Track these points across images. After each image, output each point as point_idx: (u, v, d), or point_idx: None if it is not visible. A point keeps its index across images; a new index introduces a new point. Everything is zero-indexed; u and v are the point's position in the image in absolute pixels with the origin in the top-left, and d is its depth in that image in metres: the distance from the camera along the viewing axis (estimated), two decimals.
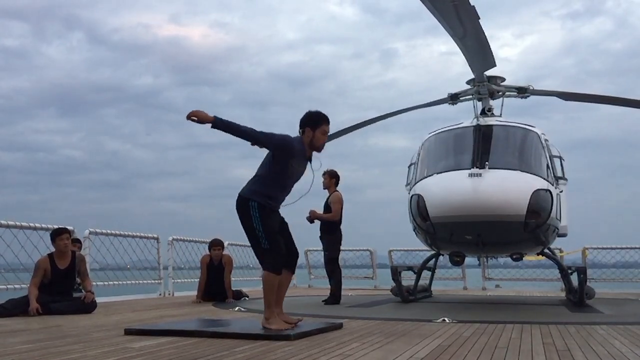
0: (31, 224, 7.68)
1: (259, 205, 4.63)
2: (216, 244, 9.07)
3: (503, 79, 9.54)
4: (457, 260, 8.63)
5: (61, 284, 6.60)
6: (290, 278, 4.83)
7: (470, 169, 7.39)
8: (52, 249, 6.74)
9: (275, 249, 4.60)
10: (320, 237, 8.55)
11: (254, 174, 4.82)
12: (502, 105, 9.53)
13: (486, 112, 9.11)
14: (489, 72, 8.84)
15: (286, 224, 4.92)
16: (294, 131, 4.90)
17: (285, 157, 4.67)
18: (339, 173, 8.69)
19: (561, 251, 12.25)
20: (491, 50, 7.52)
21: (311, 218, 8.37)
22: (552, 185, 7.94)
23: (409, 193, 8.49)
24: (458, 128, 8.51)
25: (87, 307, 6.58)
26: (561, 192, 8.51)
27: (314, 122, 4.79)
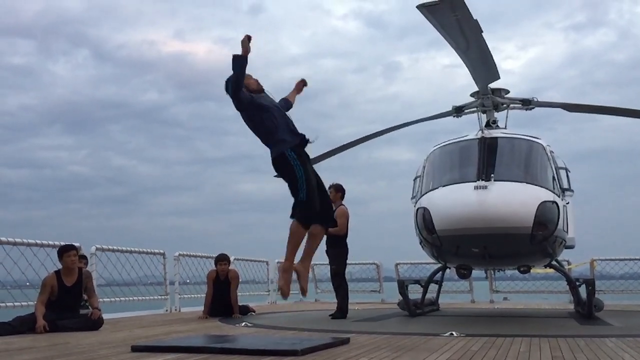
0: (38, 241, 7.69)
1: (295, 153, 4.84)
2: (222, 259, 9.06)
3: (507, 91, 9.56)
4: (463, 273, 8.60)
5: (68, 301, 6.60)
6: (323, 233, 4.98)
7: (475, 181, 7.38)
8: (59, 266, 6.75)
9: (309, 204, 4.74)
10: (326, 251, 8.54)
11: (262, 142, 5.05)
12: (506, 118, 9.55)
13: (491, 124, 9.12)
14: (493, 85, 8.87)
15: (322, 181, 5.12)
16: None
17: (252, 105, 5.01)
18: (344, 186, 8.70)
19: (569, 263, 12.16)
20: (495, 63, 7.55)
21: None
22: (559, 196, 7.92)
23: (414, 206, 8.48)
24: (463, 141, 8.51)
25: (94, 323, 6.57)
26: (567, 203, 8.48)
27: (237, 83, 5.04)
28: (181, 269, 10.57)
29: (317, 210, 4.82)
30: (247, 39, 4.84)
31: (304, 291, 5.14)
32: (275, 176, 5.19)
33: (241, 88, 4.97)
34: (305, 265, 4.89)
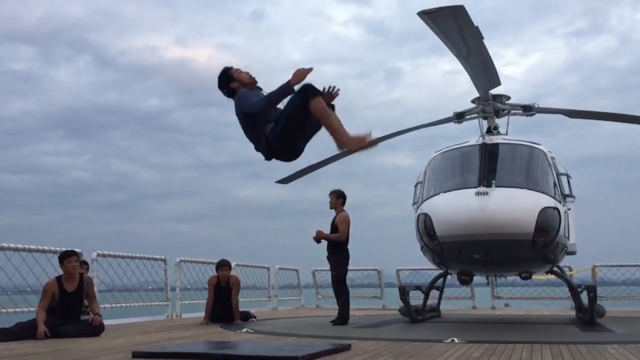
0: (39, 247, 7.69)
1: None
2: (223, 265, 9.05)
3: (508, 97, 9.57)
4: (465, 280, 8.59)
5: (69, 307, 6.60)
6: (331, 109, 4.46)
7: (477, 187, 7.38)
8: (60, 272, 6.75)
9: (306, 87, 4.28)
10: (328, 257, 8.54)
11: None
12: (507, 124, 9.56)
13: (492, 130, 9.13)
14: (494, 91, 8.87)
15: None
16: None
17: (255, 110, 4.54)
18: (345, 192, 8.71)
19: (570, 269, 12.15)
20: (495, 69, 7.56)
21: (318, 238, 8.37)
22: (560, 202, 7.91)
23: (415, 212, 8.48)
24: (464, 147, 8.52)
25: (95, 329, 6.57)
26: (569, 209, 8.48)
27: (227, 79, 4.79)
28: (182, 275, 10.57)
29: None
30: (306, 73, 4.33)
31: (375, 141, 4.46)
32: (279, 181, 4.90)
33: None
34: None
